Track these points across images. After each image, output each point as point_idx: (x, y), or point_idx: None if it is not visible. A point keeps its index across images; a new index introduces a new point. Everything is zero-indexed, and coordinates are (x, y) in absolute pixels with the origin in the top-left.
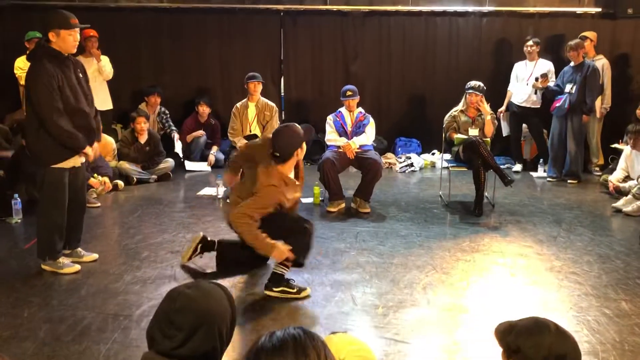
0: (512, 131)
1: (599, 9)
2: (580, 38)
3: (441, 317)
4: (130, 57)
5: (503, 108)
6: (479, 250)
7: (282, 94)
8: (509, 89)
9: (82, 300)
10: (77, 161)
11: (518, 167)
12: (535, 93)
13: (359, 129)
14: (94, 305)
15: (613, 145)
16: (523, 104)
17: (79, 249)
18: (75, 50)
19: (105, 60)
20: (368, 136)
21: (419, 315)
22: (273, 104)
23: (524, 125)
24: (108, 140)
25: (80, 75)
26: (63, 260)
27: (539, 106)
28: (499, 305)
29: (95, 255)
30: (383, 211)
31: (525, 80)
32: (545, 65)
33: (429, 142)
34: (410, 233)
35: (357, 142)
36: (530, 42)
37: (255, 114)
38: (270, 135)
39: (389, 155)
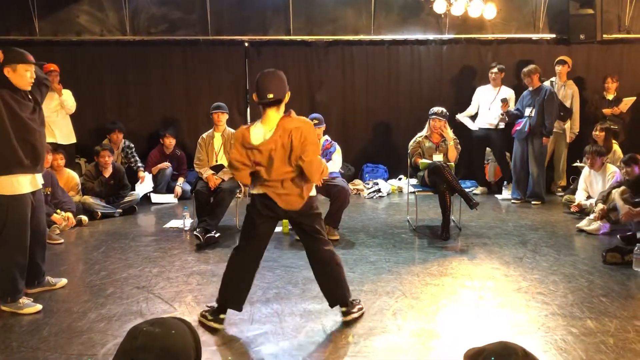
0: (475, 155)
1: (554, 35)
2: (558, 62)
3: (411, 343)
4: (93, 91)
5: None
6: (447, 274)
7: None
8: (468, 110)
9: (44, 341)
10: (35, 183)
11: (481, 189)
12: (502, 115)
13: (325, 156)
14: (57, 345)
15: (574, 164)
16: (486, 127)
17: (48, 278)
18: (30, 88)
19: (67, 94)
20: (335, 163)
21: (389, 342)
22: None
23: (487, 149)
24: (71, 174)
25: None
26: (23, 300)
27: (503, 127)
28: (469, 328)
29: (65, 280)
30: (352, 238)
31: (489, 104)
32: (507, 92)
33: (395, 167)
34: (380, 259)
35: None
36: (495, 70)
37: (222, 144)
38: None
39: (357, 181)
